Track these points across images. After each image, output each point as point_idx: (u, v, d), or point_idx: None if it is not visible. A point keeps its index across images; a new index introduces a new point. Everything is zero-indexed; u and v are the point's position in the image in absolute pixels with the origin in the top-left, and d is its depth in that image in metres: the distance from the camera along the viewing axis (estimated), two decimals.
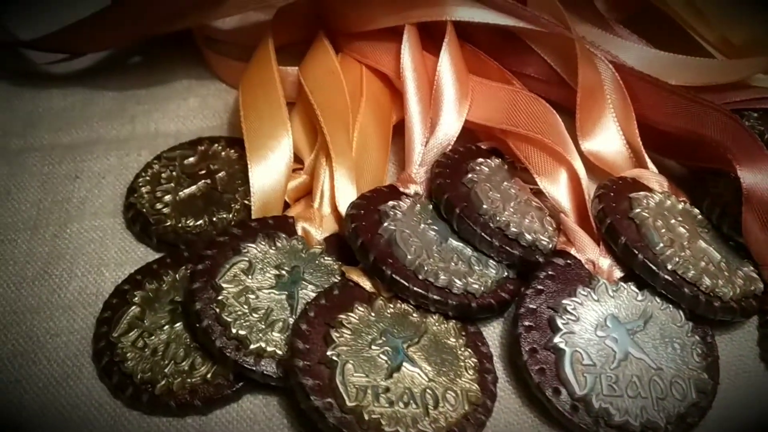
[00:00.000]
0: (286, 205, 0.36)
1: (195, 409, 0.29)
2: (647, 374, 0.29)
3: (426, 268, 0.31)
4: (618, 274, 0.32)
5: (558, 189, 0.34)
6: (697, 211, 0.34)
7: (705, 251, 0.32)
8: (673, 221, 0.33)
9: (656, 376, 0.29)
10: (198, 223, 0.36)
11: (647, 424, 0.28)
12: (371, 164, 0.38)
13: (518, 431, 0.29)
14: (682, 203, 0.34)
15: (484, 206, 0.33)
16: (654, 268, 0.30)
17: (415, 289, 0.30)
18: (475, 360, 0.30)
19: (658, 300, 0.31)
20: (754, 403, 0.30)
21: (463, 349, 0.30)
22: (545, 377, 0.29)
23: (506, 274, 0.32)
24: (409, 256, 0.31)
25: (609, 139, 0.38)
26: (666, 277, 0.30)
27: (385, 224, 0.32)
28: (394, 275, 0.30)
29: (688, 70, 0.41)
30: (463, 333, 0.31)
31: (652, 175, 0.36)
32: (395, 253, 0.31)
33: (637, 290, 0.31)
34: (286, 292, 0.31)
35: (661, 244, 0.31)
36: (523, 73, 0.42)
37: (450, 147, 0.37)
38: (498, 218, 0.33)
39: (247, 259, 0.32)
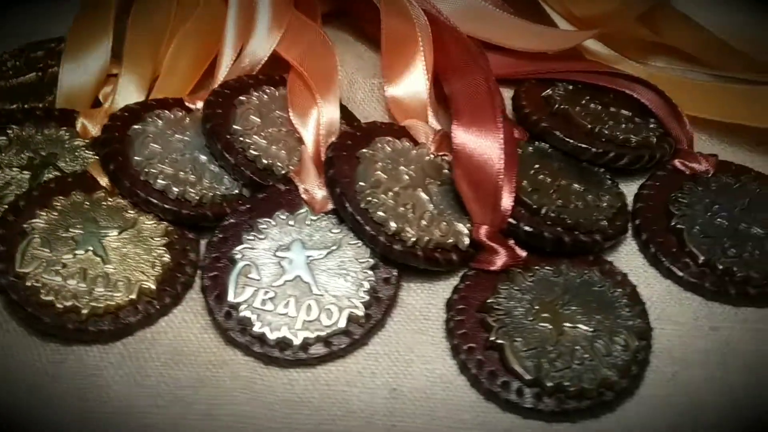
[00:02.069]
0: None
1: None
2: (306, 297, 0.30)
3: (148, 171, 0.33)
4: (330, 207, 0.33)
5: (306, 124, 0.35)
6: (447, 165, 0.35)
7: (416, 199, 0.32)
8: (402, 168, 0.33)
9: (313, 300, 0.30)
10: (11, 108, 0.39)
11: (283, 340, 0.29)
12: (178, 77, 0.39)
13: (188, 330, 0.31)
14: (437, 156, 0.35)
15: (236, 126, 0.35)
16: (345, 202, 0.31)
17: (129, 186, 0.33)
18: (168, 259, 0.32)
19: (352, 236, 0.32)
20: (417, 344, 0.31)
21: (161, 248, 0.32)
22: (215, 283, 0.31)
23: (238, 191, 0.34)
24: (137, 157, 0.33)
25: (411, 87, 0.38)
26: (352, 212, 0.31)
27: (136, 126, 0.35)
28: (115, 171, 0.33)
29: (515, 33, 0.40)
30: (175, 236, 0.33)
31: (422, 126, 0.36)
32: (128, 152, 0.34)
33: (335, 223, 0.32)
34: (30, 173, 0.34)
35: (363, 183, 0.32)
36: (365, 19, 0.43)
37: (255, 72, 0.39)
38: (244, 139, 0.34)
39: (6, 138, 0.35)
